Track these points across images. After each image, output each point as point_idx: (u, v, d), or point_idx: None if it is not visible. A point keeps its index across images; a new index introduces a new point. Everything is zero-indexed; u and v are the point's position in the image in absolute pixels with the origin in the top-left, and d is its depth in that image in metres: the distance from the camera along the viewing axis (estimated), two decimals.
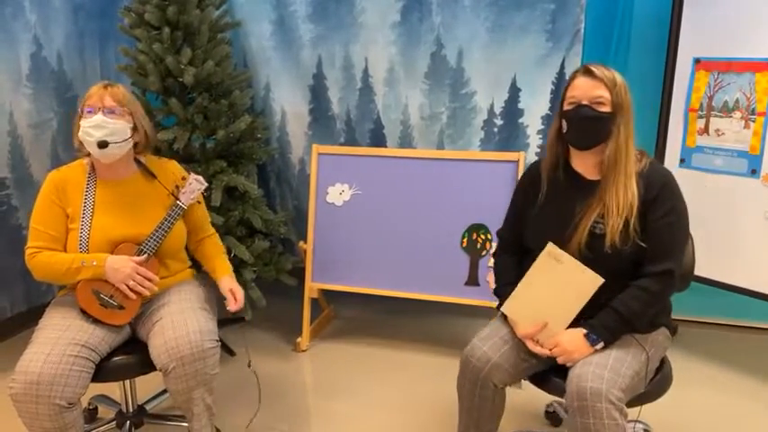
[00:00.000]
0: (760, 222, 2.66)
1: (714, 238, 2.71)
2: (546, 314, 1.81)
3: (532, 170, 1.99)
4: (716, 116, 2.76)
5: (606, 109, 1.76)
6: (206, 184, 2.16)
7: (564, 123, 1.83)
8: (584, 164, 1.87)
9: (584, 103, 1.77)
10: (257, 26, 3.18)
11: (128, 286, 1.95)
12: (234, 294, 2.11)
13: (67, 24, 3.07)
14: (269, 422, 2.46)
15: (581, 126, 1.79)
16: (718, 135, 2.76)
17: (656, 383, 1.83)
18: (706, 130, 2.80)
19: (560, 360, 1.77)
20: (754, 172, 2.65)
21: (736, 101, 2.68)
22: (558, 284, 1.78)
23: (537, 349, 1.81)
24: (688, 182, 2.84)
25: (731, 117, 2.70)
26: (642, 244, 1.75)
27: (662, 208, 1.76)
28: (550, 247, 1.79)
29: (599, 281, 1.74)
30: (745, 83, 2.64)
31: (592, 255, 1.77)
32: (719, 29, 2.71)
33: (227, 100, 2.85)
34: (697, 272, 2.08)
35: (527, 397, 2.49)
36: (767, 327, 3.24)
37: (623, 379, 1.66)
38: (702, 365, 2.89)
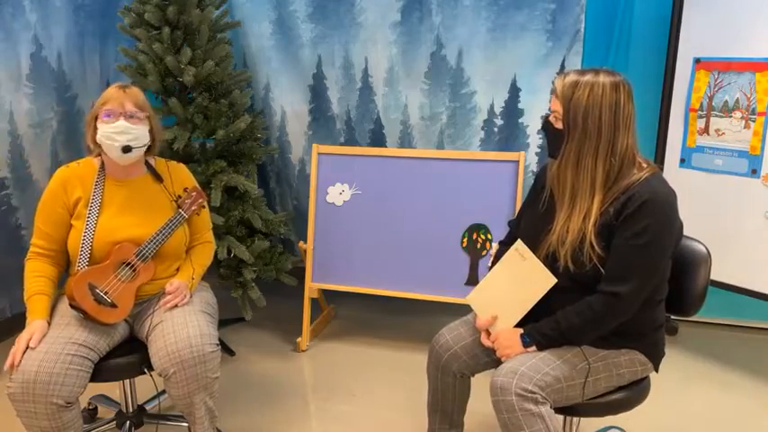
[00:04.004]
0: (760, 222, 2.65)
1: (714, 238, 2.70)
2: (500, 308, 1.81)
3: (542, 170, 1.94)
4: (716, 116, 2.75)
5: (559, 126, 1.68)
6: (206, 199, 2.20)
7: None
8: None
9: (547, 112, 1.72)
10: (257, 26, 3.18)
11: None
12: (172, 291, 2.00)
13: (68, 24, 3.07)
14: (269, 422, 2.46)
15: (545, 137, 1.78)
16: (719, 135, 2.75)
17: (627, 394, 1.77)
18: (706, 129, 2.80)
19: (497, 354, 1.77)
20: (754, 172, 2.65)
21: (737, 101, 2.68)
22: (517, 281, 1.78)
23: (485, 341, 1.82)
24: (688, 182, 2.86)
25: (731, 117, 2.70)
26: (601, 268, 1.65)
27: (632, 228, 1.62)
28: (519, 243, 1.79)
29: (552, 281, 1.72)
30: (746, 83, 2.64)
31: (552, 269, 1.73)
32: (719, 29, 2.71)
33: (226, 100, 2.85)
34: None
35: None
36: (767, 327, 3.24)
37: (542, 377, 1.63)
38: (703, 365, 2.89)
